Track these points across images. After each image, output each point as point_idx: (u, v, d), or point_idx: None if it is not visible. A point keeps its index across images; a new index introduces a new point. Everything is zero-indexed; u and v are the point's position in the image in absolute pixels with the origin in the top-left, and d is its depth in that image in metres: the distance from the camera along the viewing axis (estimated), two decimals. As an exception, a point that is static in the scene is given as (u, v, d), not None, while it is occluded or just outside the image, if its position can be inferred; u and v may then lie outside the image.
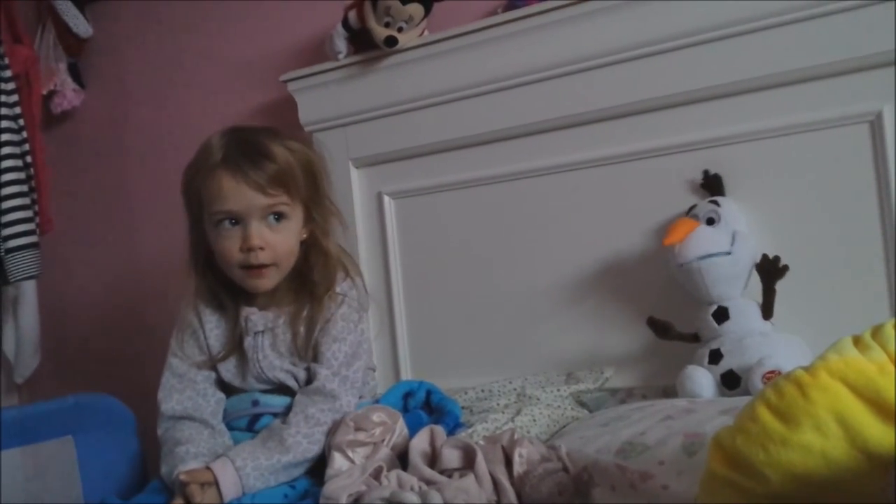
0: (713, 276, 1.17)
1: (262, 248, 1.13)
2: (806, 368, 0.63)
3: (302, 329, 1.17)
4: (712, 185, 1.26)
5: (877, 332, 0.64)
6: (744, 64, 1.22)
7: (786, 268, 1.15)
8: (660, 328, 1.24)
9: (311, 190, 1.19)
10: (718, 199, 1.24)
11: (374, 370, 1.31)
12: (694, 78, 1.26)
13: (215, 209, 1.14)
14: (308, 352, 1.17)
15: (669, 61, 1.27)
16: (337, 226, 1.24)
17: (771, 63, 1.20)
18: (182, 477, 1.06)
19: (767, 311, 1.16)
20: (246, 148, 1.14)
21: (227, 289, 1.22)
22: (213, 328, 1.21)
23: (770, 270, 1.15)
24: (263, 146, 1.14)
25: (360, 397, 1.20)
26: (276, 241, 1.15)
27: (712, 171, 1.26)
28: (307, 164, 1.19)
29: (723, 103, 1.26)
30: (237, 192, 1.12)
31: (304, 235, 1.21)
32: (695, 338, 1.22)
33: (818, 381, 0.62)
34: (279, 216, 1.15)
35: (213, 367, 1.21)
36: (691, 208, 1.25)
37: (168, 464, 1.12)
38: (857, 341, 0.64)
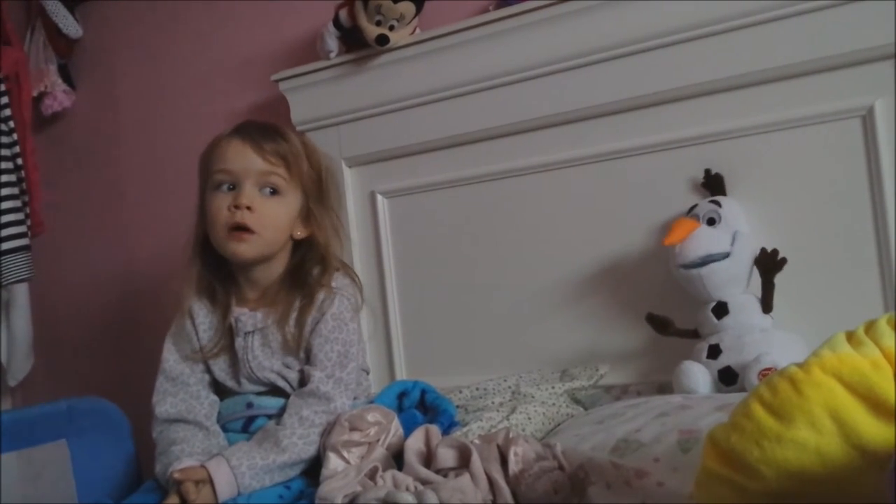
0: (714, 282, 1.17)
1: (248, 209, 1.15)
2: (799, 365, 0.63)
3: (292, 327, 1.17)
4: (713, 185, 1.25)
5: (870, 327, 0.64)
6: (736, 60, 1.22)
7: (784, 261, 1.14)
8: (659, 324, 1.23)
9: (315, 187, 1.22)
10: (719, 198, 1.23)
11: (367, 372, 1.30)
12: (686, 74, 1.26)
13: (215, 168, 1.17)
14: (300, 350, 1.17)
15: (664, 58, 1.27)
16: (338, 240, 1.25)
17: (763, 59, 1.20)
18: (176, 475, 1.05)
19: (766, 304, 1.16)
20: (261, 124, 1.23)
21: (221, 283, 1.22)
22: (207, 328, 1.21)
23: (768, 264, 1.15)
24: (279, 128, 1.23)
25: (355, 398, 1.20)
26: (265, 209, 1.17)
27: (713, 170, 1.25)
28: (317, 161, 1.23)
29: (715, 99, 1.25)
30: (240, 153, 1.17)
31: (302, 234, 1.21)
32: (694, 334, 1.21)
33: (812, 377, 0.62)
34: (274, 190, 1.18)
35: (206, 364, 1.21)
36: (692, 208, 1.24)
37: (162, 462, 1.12)
38: (851, 337, 0.64)
